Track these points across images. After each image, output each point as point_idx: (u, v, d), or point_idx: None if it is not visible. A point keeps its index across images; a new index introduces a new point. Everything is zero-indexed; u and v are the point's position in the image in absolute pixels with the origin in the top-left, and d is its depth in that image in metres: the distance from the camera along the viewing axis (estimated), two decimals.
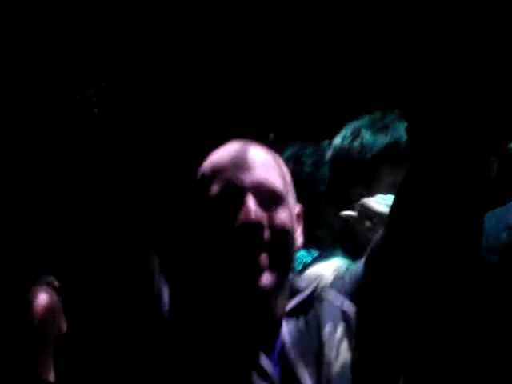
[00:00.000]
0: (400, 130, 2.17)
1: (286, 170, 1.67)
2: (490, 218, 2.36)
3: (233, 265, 1.55)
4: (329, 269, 1.96)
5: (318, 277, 1.77)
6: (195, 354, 1.58)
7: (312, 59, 4.20)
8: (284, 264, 1.59)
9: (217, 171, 1.59)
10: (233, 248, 1.55)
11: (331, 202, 2.31)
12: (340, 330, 1.60)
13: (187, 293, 1.64)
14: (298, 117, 4.24)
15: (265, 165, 1.61)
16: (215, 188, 1.57)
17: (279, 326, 1.61)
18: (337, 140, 2.26)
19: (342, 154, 2.23)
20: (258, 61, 4.21)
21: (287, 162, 2.08)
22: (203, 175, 1.61)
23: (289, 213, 1.60)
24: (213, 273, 1.58)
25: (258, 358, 1.57)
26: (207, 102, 4.19)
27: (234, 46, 4.14)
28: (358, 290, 1.63)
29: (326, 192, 2.38)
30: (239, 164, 1.58)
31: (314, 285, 1.68)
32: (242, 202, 1.55)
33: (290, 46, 4.16)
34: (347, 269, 1.76)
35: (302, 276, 2.12)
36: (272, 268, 1.55)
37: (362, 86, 3.96)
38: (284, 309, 1.62)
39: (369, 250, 1.64)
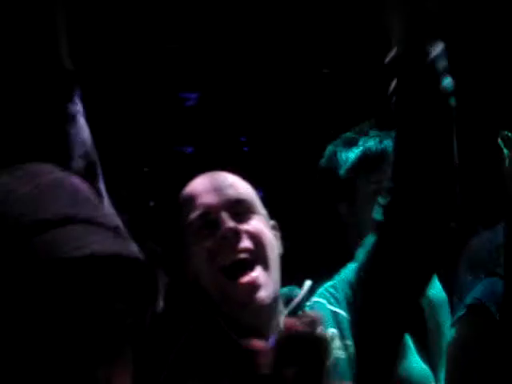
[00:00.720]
0: (370, 140, 2.37)
1: (252, 190, 1.87)
2: (480, 240, 2.40)
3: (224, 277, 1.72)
4: None
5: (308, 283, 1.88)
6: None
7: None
8: (271, 268, 1.75)
9: (192, 199, 1.81)
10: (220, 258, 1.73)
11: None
12: (331, 330, 1.76)
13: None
14: (293, 131, 4.26)
15: (231, 184, 1.83)
16: (193, 214, 1.78)
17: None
18: (321, 162, 2.45)
19: (324, 175, 2.42)
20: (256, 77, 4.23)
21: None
22: (181, 204, 1.83)
23: (262, 221, 1.81)
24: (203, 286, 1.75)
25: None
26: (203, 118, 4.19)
27: (231, 55, 4.13)
28: (353, 294, 1.80)
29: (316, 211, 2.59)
30: (210, 189, 1.80)
31: (305, 289, 1.83)
32: (218, 221, 1.76)
33: (284, 64, 4.19)
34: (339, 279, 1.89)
35: None
36: (265, 279, 1.72)
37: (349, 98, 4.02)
38: (280, 320, 1.76)
39: (363, 256, 1.81)
